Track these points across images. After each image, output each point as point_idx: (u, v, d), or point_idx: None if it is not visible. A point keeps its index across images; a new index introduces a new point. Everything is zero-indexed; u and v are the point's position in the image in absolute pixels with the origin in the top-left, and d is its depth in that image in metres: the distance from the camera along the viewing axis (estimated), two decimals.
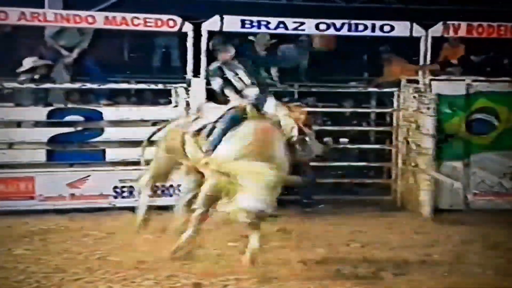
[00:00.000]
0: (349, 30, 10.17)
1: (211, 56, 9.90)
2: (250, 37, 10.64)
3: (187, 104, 9.74)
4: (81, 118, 9.55)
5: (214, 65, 8.02)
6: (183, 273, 6.97)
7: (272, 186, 6.72)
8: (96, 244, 8.01)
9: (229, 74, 7.80)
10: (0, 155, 9.44)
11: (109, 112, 9.65)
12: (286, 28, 10.19)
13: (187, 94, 9.75)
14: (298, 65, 11.51)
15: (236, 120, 7.36)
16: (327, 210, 9.88)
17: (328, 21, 10.21)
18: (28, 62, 9.81)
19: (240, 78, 7.77)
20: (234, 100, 7.64)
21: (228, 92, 7.74)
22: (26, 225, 8.55)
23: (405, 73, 10.49)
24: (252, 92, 7.70)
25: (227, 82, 7.77)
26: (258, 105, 7.55)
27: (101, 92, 10.09)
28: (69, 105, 9.68)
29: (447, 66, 10.87)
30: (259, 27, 10.22)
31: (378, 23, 10.05)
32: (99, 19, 9.67)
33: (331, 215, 9.68)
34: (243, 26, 10.14)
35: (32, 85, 9.66)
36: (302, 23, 10.18)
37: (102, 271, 7.03)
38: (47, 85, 9.78)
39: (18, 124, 9.64)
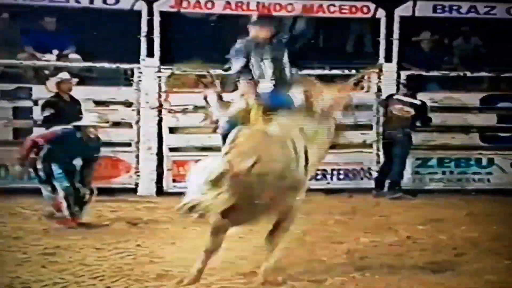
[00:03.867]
0: None
1: (403, 41, 10.36)
2: None
3: (379, 89, 10.15)
4: None
5: (242, 42, 6.54)
6: (375, 253, 7.31)
7: None
8: None
9: (254, 58, 6.40)
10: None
11: None
12: (477, 12, 10.34)
13: (379, 79, 10.16)
14: None
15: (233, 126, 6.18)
16: None
17: None
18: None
19: (261, 66, 6.38)
20: (242, 90, 6.40)
21: (241, 78, 6.44)
22: None
23: None
24: (265, 87, 6.35)
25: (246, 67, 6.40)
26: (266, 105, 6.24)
27: None
28: None
29: None
30: (450, 12, 10.43)
31: None
32: (297, 8, 10.26)
33: None
34: (434, 11, 10.39)
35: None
36: (493, 7, 10.29)
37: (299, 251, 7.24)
38: None
39: None
